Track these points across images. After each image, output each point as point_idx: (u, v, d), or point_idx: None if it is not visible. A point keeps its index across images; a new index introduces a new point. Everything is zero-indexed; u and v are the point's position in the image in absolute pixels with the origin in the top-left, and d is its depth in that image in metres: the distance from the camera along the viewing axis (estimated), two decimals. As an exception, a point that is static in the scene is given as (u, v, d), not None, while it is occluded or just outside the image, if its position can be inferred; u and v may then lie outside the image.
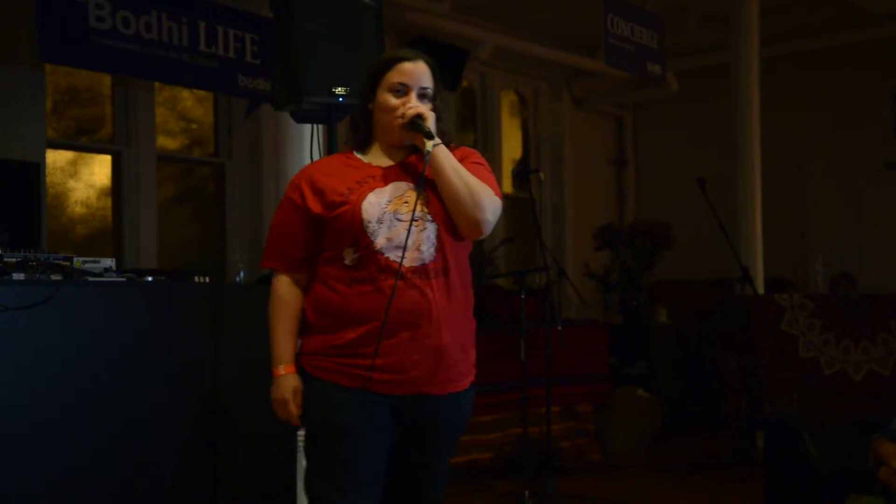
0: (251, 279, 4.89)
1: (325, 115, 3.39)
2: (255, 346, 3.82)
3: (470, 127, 8.11)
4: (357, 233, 2.21)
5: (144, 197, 5.83)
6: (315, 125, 3.59)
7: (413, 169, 2.31)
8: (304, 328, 2.31)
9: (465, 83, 7.81)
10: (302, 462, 3.79)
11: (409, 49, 2.38)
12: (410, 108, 2.27)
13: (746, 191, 6.29)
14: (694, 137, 8.41)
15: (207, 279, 3.84)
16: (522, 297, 4.87)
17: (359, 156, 2.36)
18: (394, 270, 2.18)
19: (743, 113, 6.33)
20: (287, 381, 2.27)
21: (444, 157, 2.25)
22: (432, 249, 2.23)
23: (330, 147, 3.47)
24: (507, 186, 8.25)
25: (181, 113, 6.37)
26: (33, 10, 4.56)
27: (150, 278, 3.68)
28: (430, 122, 2.26)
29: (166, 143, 6.19)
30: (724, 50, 6.73)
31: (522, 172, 5.57)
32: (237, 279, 4.72)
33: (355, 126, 2.39)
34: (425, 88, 2.33)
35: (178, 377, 3.57)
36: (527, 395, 4.84)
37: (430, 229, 2.23)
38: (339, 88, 3.25)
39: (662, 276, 7.49)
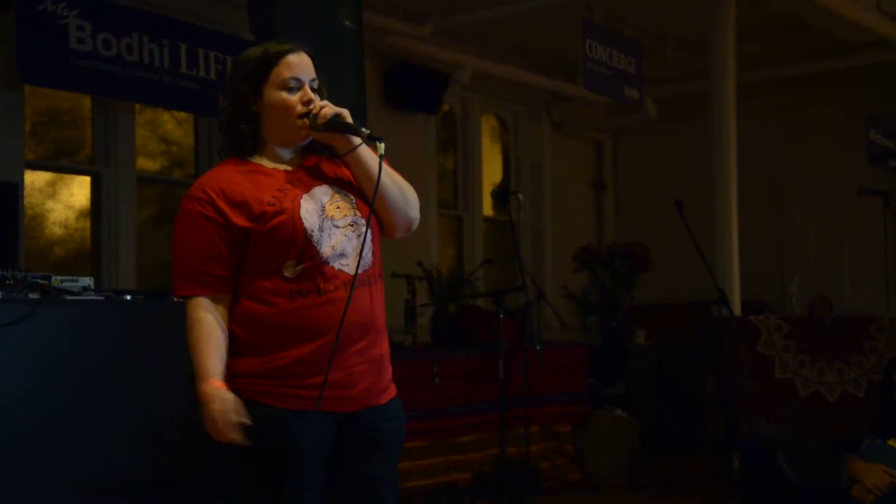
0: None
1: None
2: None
3: (450, 150, 8.17)
4: (302, 244, 2.05)
5: (124, 218, 5.83)
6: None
7: (320, 171, 2.16)
8: (234, 348, 2.10)
9: (445, 107, 7.87)
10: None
11: (281, 41, 2.19)
12: (323, 106, 2.10)
13: (723, 214, 6.36)
14: (672, 162, 8.51)
15: (186, 298, 3.83)
16: (501, 317, 4.90)
17: (255, 161, 2.16)
18: (341, 280, 2.06)
19: (719, 138, 6.41)
20: (226, 393, 2.03)
21: (374, 160, 2.11)
22: (370, 255, 2.13)
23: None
24: (487, 209, 8.31)
25: (162, 135, 6.38)
26: (13, 31, 4.57)
27: (128, 297, 3.67)
28: (349, 120, 2.11)
29: (146, 164, 6.19)
30: (701, 77, 6.83)
31: (501, 194, 5.62)
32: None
33: (234, 131, 2.15)
34: (314, 80, 2.15)
35: (156, 396, 3.56)
36: (506, 415, 4.85)
37: (368, 234, 2.12)
38: (319, 109, 3.27)
39: (641, 299, 7.54)
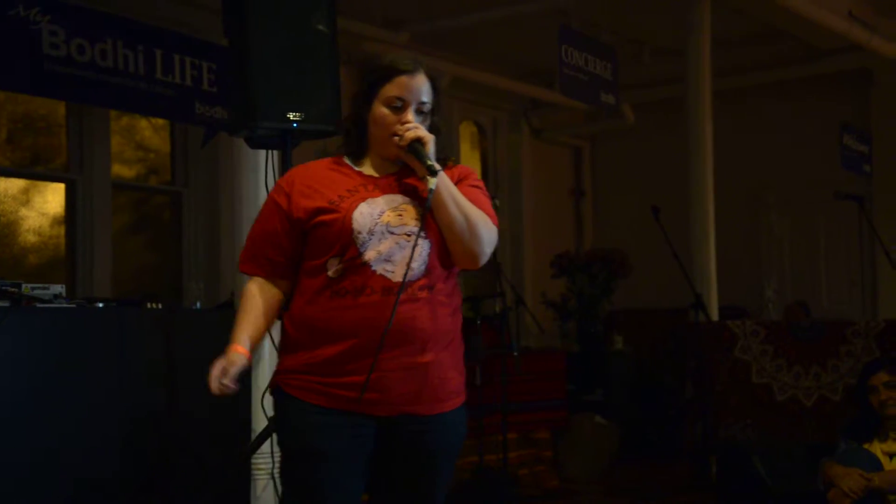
0: (208, 307, 4.85)
1: (280, 141, 3.40)
2: (208, 370, 3.80)
3: (429, 157, 8.16)
4: (345, 243, 2.10)
5: (99, 225, 5.77)
6: (269, 152, 3.60)
7: (407, 183, 2.20)
8: (283, 344, 2.20)
9: (423, 113, 7.85)
10: (256, 489, 3.75)
11: (409, 58, 2.25)
12: (409, 129, 2.14)
13: (700, 220, 6.38)
14: (650, 168, 8.54)
15: (160, 306, 3.81)
16: (479, 323, 4.89)
17: (349, 163, 2.25)
18: (380, 286, 2.08)
19: (696, 144, 6.43)
20: (233, 355, 2.13)
21: (444, 188, 2.13)
22: (423, 267, 2.12)
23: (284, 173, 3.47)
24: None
25: (138, 142, 6.34)
26: (-15, 36, 4.52)
27: (100, 305, 3.64)
28: (430, 147, 2.14)
29: (122, 171, 6.14)
30: (678, 83, 6.86)
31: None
32: (195, 307, 4.68)
33: (348, 132, 2.27)
34: (423, 103, 2.20)
35: (127, 403, 3.52)
36: (483, 422, 4.84)
37: (423, 246, 2.12)
38: (294, 114, 3.26)
39: (619, 304, 7.56)
